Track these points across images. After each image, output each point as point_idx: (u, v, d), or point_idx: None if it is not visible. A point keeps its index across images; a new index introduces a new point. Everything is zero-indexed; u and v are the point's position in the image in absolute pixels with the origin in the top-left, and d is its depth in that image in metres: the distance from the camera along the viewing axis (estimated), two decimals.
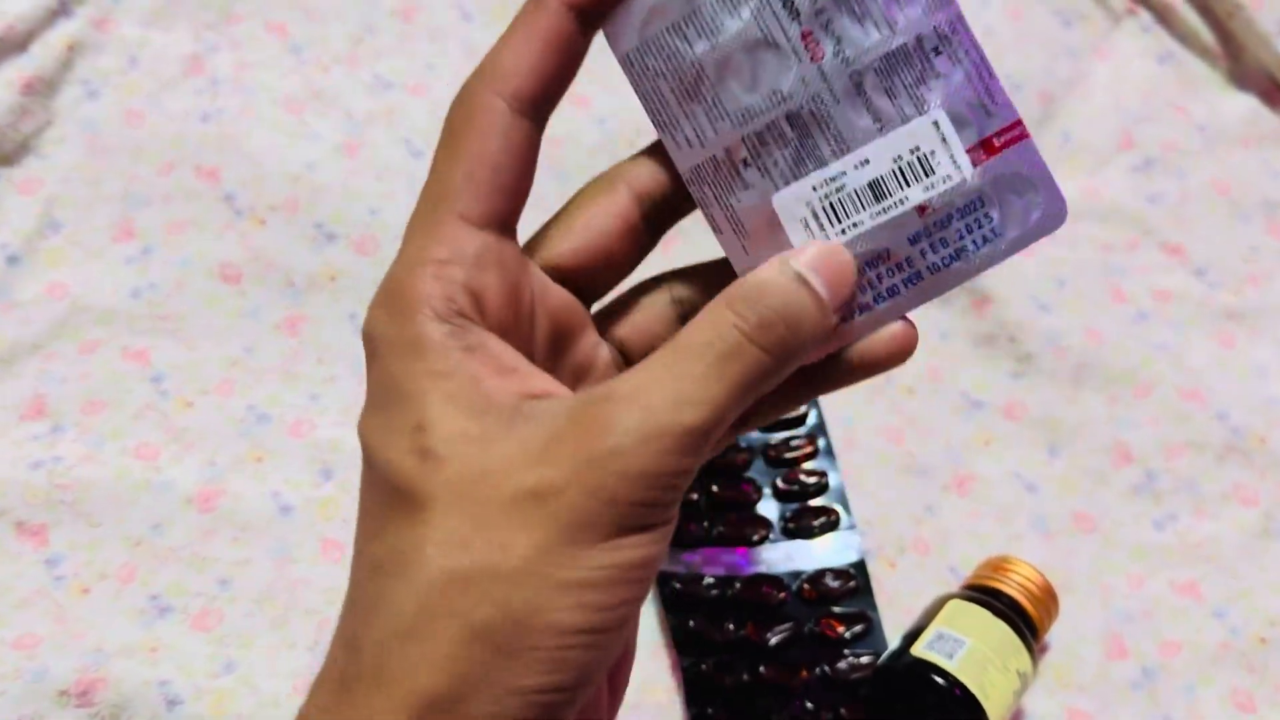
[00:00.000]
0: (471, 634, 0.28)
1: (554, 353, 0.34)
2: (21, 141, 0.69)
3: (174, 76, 0.73)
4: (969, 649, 0.56)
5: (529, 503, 0.28)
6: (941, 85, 0.31)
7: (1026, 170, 0.31)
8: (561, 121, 0.75)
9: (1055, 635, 0.63)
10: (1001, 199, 0.32)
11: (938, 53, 0.31)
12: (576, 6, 0.32)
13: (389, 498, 0.30)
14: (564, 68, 0.32)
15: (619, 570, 0.28)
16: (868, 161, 0.31)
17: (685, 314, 0.36)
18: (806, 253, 0.31)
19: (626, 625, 0.30)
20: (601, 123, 0.76)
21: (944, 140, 0.31)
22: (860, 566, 0.63)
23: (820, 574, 0.62)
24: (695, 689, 0.60)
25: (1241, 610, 0.65)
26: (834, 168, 0.31)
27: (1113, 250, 0.76)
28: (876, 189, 0.32)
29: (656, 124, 0.33)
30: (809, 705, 0.59)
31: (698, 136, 0.32)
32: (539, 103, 0.32)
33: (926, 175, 0.31)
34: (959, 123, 0.31)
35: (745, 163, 0.32)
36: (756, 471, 0.65)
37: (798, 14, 0.31)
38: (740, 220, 0.32)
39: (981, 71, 0.31)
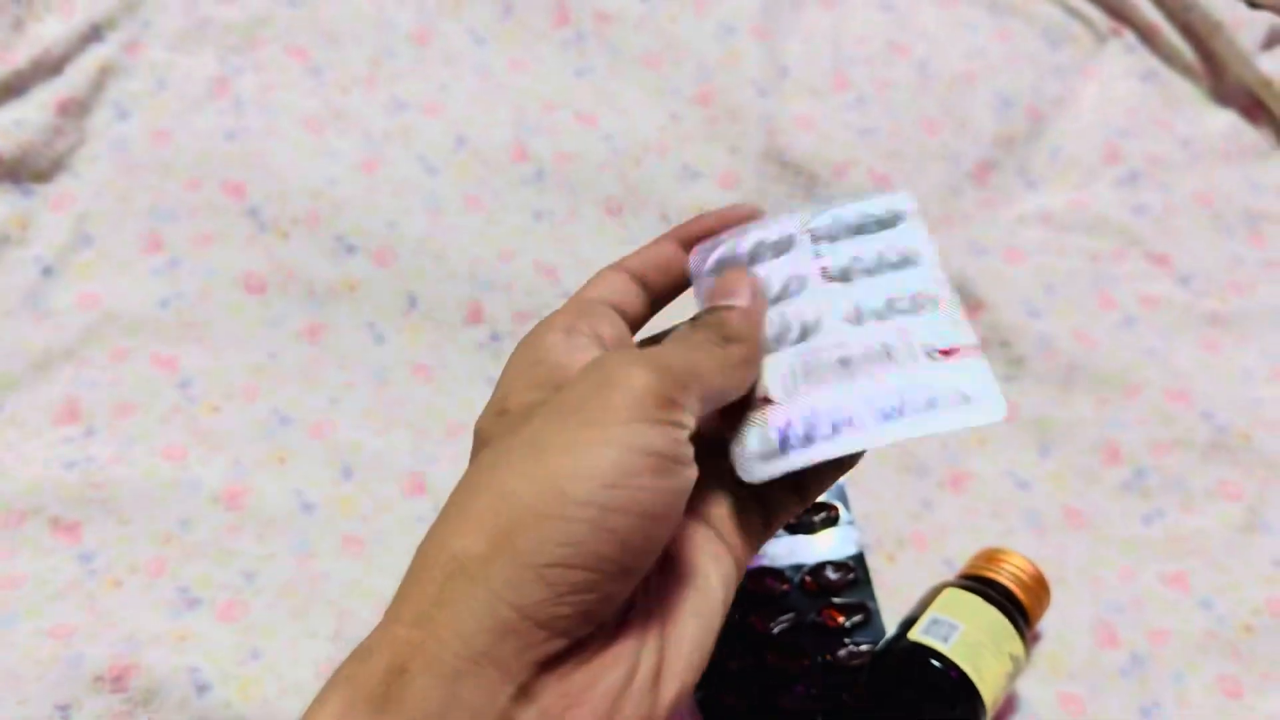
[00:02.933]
0: (499, 499, 0.34)
1: None
2: (56, 160, 0.73)
3: (200, 98, 0.76)
4: (963, 633, 0.58)
5: (555, 411, 0.36)
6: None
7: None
8: (570, 138, 0.79)
9: (1047, 625, 0.66)
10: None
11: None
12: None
13: (476, 451, 0.40)
14: (656, 274, 0.46)
15: (628, 448, 0.34)
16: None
17: None
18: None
19: (645, 516, 0.34)
20: (608, 139, 0.79)
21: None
22: (859, 559, 0.65)
23: (821, 566, 0.65)
24: (703, 675, 0.62)
25: (1228, 600, 0.67)
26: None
27: (1101, 259, 0.79)
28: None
29: None
30: (811, 690, 0.61)
31: None
32: (638, 274, 0.45)
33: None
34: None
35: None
36: None
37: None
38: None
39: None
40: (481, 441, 0.39)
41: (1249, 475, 0.71)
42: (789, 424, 0.40)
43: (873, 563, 0.67)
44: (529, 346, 0.41)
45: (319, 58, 0.79)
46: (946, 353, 0.42)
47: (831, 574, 0.65)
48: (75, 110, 0.74)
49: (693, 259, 0.45)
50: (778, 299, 0.44)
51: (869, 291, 0.43)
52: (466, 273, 0.73)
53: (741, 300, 0.42)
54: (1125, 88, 0.86)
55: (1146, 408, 0.73)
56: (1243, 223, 0.82)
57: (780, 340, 0.43)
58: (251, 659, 0.60)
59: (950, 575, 0.67)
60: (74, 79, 0.74)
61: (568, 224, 0.76)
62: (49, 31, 0.74)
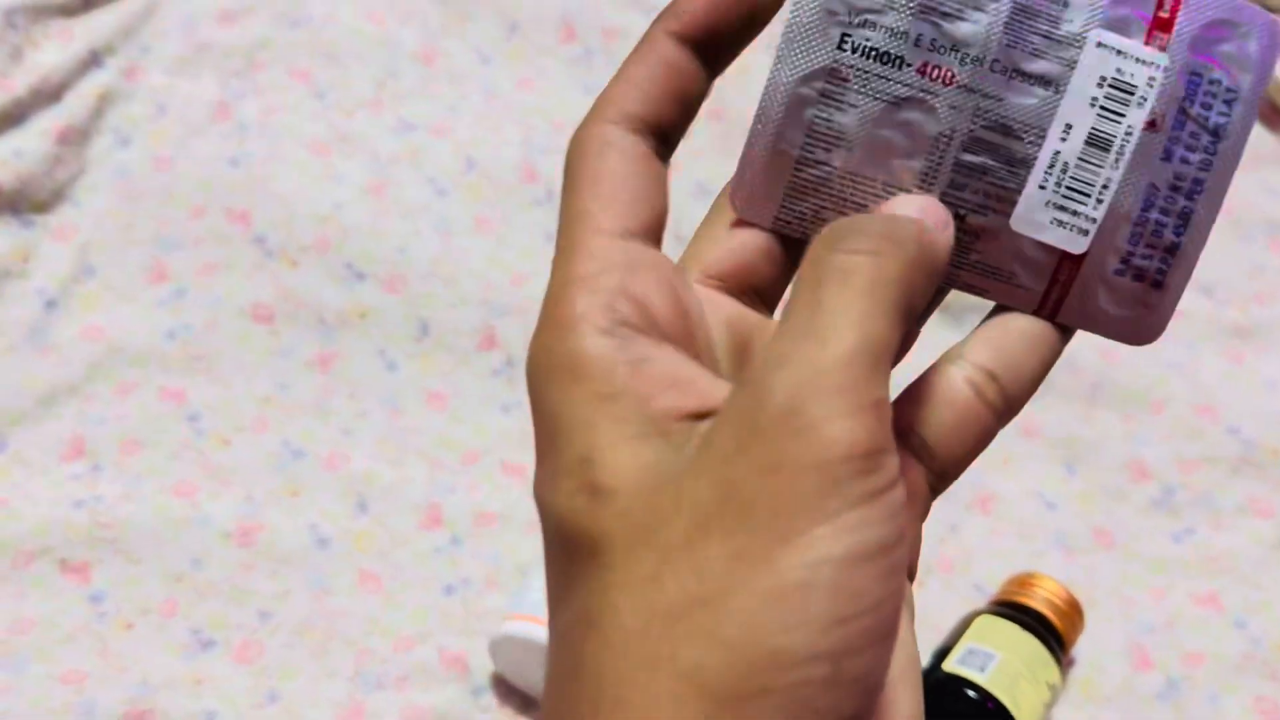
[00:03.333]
0: (683, 683, 0.23)
1: (742, 367, 0.30)
2: (56, 189, 0.71)
3: (202, 123, 0.75)
4: (1000, 663, 0.57)
5: (715, 515, 0.23)
6: (1079, 6, 0.29)
7: (1211, 15, 0.29)
8: None
9: (1080, 649, 0.64)
10: (1213, 55, 0.29)
11: None
12: (680, 34, 0.29)
13: (568, 553, 0.26)
14: (677, 92, 0.29)
15: (846, 560, 0.23)
16: (1070, 126, 0.29)
17: None
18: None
19: (882, 641, 0.23)
20: None
21: (1119, 53, 0.28)
22: None
23: None
24: None
25: (1262, 620, 0.66)
26: (1043, 158, 0.29)
27: None
28: (1097, 143, 0.29)
29: None
30: None
31: None
32: (652, 123, 0.29)
33: (1131, 94, 0.29)
34: (1120, 26, 0.28)
35: (964, 217, 0.29)
36: None
37: (899, 60, 0.29)
38: (997, 269, 0.30)
39: None
40: (569, 539, 0.26)
41: (1278, 490, 0.70)
42: None
43: None
44: (567, 372, 0.26)
45: (323, 80, 0.78)
46: None
47: None
48: (75, 138, 0.72)
49: (744, 214, 0.30)
50: None
51: None
52: (479, 297, 0.72)
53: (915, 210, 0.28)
54: None
55: (1173, 423, 0.72)
56: (1263, 230, 0.80)
57: None
58: (269, 701, 0.59)
59: (981, 600, 0.66)
60: (73, 106, 0.72)
61: None
62: (47, 59, 0.72)
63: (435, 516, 0.65)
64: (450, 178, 0.75)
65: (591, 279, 0.27)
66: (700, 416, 0.26)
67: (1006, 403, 0.30)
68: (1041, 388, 0.76)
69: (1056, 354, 0.31)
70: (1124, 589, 0.67)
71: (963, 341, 0.30)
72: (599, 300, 0.26)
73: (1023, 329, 0.30)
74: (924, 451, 0.29)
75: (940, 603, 0.65)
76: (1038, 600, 0.61)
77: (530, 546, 0.65)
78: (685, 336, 0.28)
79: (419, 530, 0.65)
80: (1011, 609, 0.61)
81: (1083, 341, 0.74)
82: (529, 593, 0.60)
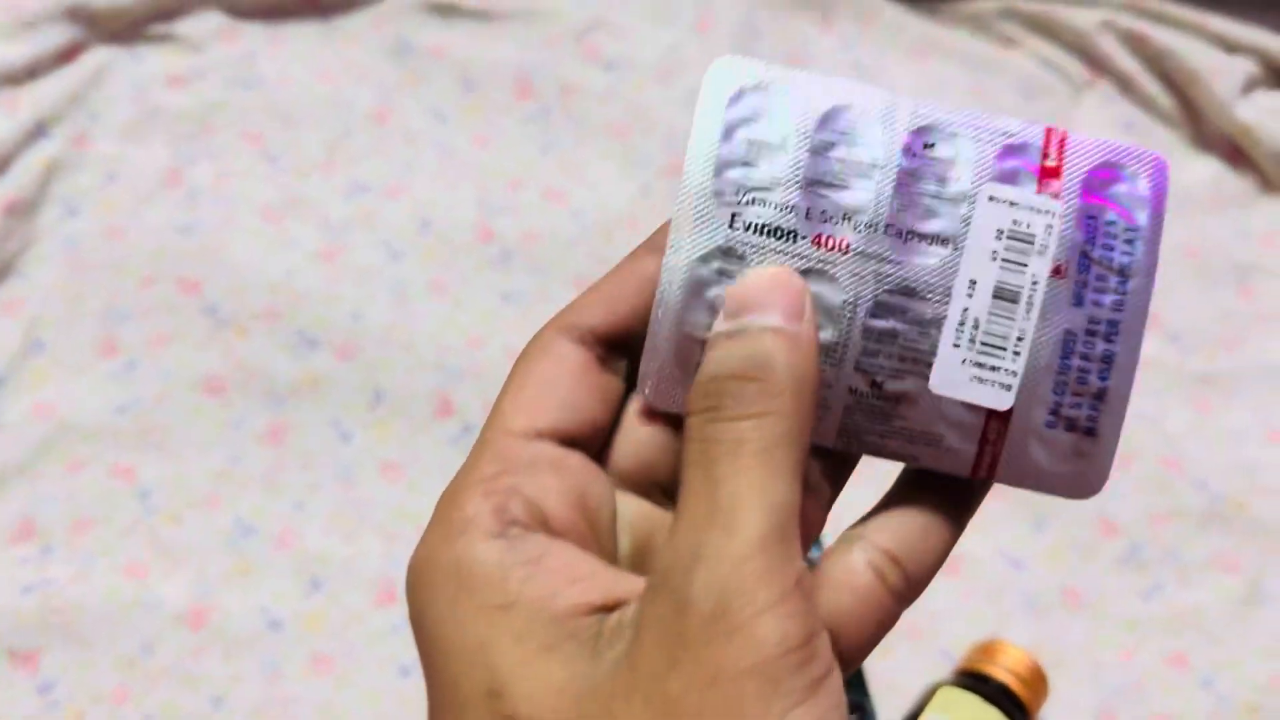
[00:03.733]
0: None
1: (645, 562, 0.29)
2: (5, 263, 0.70)
3: (152, 190, 0.74)
4: None
5: None
6: (965, 163, 0.28)
7: (1098, 159, 0.29)
8: (538, 216, 0.77)
9: (1050, 713, 0.63)
10: (1106, 197, 0.29)
11: (931, 145, 0.28)
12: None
13: None
14: (645, 309, 0.28)
15: None
16: (974, 282, 0.28)
17: None
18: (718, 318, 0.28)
19: None
20: (577, 215, 0.77)
21: (1013, 204, 0.28)
22: None
23: None
24: None
25: (1229, 679, 0.65)
26: (953, 317, 0.28)
27: None
28: (1005, 296, 0.28)
29: None
30: None
31: (824, 405, 0.29)
32: (605, 336, 0.29)
33: (1031, 243, 0.28)
34: (1009, 177, 0.28)
35: (882, 384, 0.29)
36: None
37: (793, 233, 0.28)
38: (925, 434, 0.29)
39: (977, 123, 0.29)
40: None
41: (1246, 545, 0.69)
42: None
43: (868, 658, 0.64)
44: (455, 582, 0.25)
45: (275, 142, 0.77)
46: None
47: None
48: (23, 210, 0.71)
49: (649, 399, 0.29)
50: None
51: None
52: (434, 362, 0.71)
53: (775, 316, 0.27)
54: (1105, 138, 0.84)
55: (1140, 477, 0.71)
56: (1230, 275, 0.80)
57: None
58: None
59: (948, 666, 0.65)
60: (20, 178, 0.71)
61: (538, 306, 0.74)
62: None
63: (390, 593, 0.64)
64: (404, 240, 0.74)
65: (487, 480, 0.27)
66: (606, 609, 0.25)
67: (909, 586, 0.29)
68: None
69: (955, 539, 0.30)
70: (1093, 650, 0.66)
71: (863, 523, 0.30)
72: (491, 502, 0.26)
73: (925, 512, 0.29)
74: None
75: (907, 670, 0.64)
76: (1001, 670, 0.60)
77: None
78: (583, 538, 0.27)
79: (373, 608, 0.64)
80: (975, 679, 0.60)
81: None
82: None
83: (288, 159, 0.76)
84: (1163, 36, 0.84)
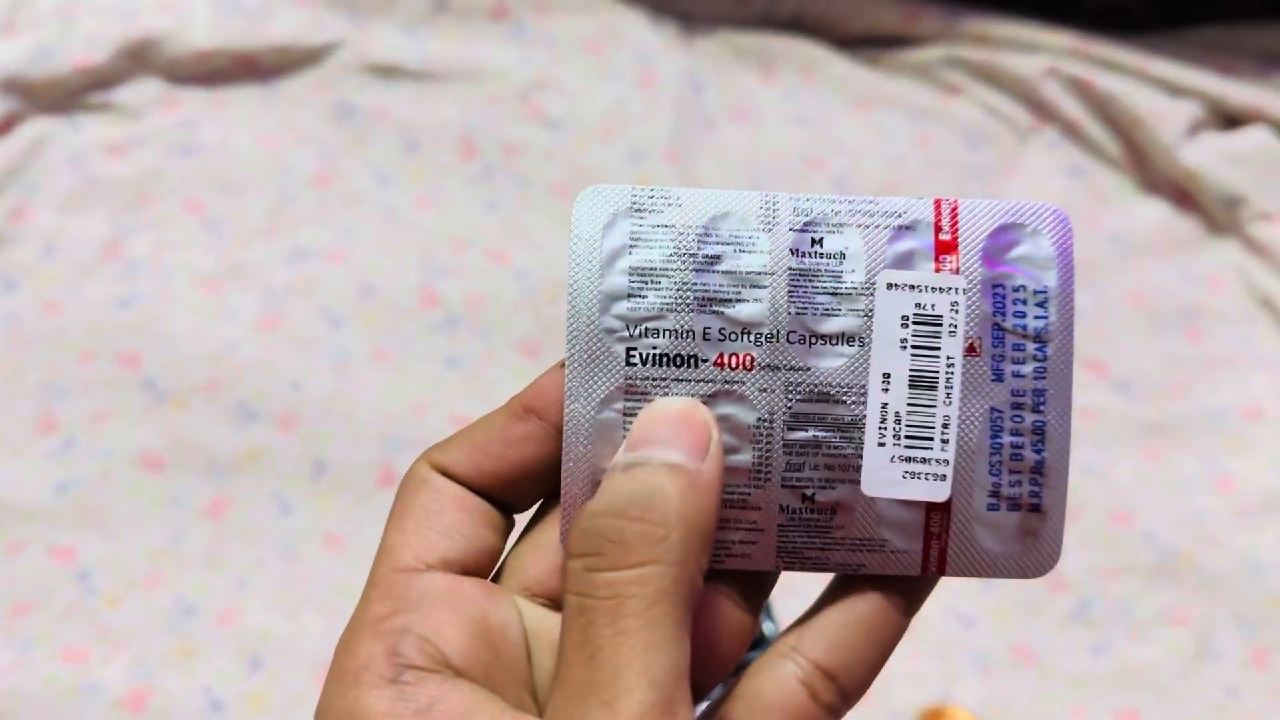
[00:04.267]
0: None
1: None
2: None
3: (91, 263, 0.73)
4: None
5: None
6: (857, 254, 0.28)
7: (994, 223, 0.28)
8: (481, 278, 0.77)
9: None
10: (1008, 264, 0.28)
11: (819, 241, 0.27)
12: (529, 409, 0.28)
13: None
14: (510, 458, 0.28)
15: None
16: (888, 375, 0.27)
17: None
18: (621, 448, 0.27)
19: None
20: (521, 276, 0.77)
21: (912, 287, 0.27)
22: None
23: None
24: None
25: None
26: (873, 415, 0.27)
27: None
28: (921, 384, 0.27)
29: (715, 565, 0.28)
30: None
31: (756, 528, 0.28)
32: (472, 477, 0.28)
33: (939, 325, 0.27)
34: (905, 261, 0.27)
35: (813, 496, 0.28)
36: None
37: (693, 358, 0.27)
38: (867, 539, 0.28)
39: (862, 209, 0.28)
40: None
41: (1195, 598, 0.69)
42: None
43: None
44: None
45: (216, 210, 0.76)
46: None
47: None
48: None
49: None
50: None
51: None
52: (377, 431, 0.70)
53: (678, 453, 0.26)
54: (1051, 185, 0.84)
55: (1089, 531, 0.71)
56: (1178, 319, 0.80)
57: None
58: None
59: None
60: None
61: (483, 370, 0.73)
62: None
63: None
64: (345, 307, 0.74)
65: (378, 621, 0.26)
66: None
67: (844, 699, 0.28)
68: None
69: (899, 636, 0.29)
70: (1043, 708, 0.66)
71: (798, 627, 0.29)
72: (383, 645, 0.26)
73: (863, 616, 0.28)
74: None
75: None
76: None
77: None
78: (488, 667, 0.27)
79: (315, 687, 0.63)
80: None
81: None
82: None
83: (229, 226, 0.76)
84: (1106, 82, 0.84)
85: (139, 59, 0.79)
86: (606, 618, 0.24)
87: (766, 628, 0.63)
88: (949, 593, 0.69)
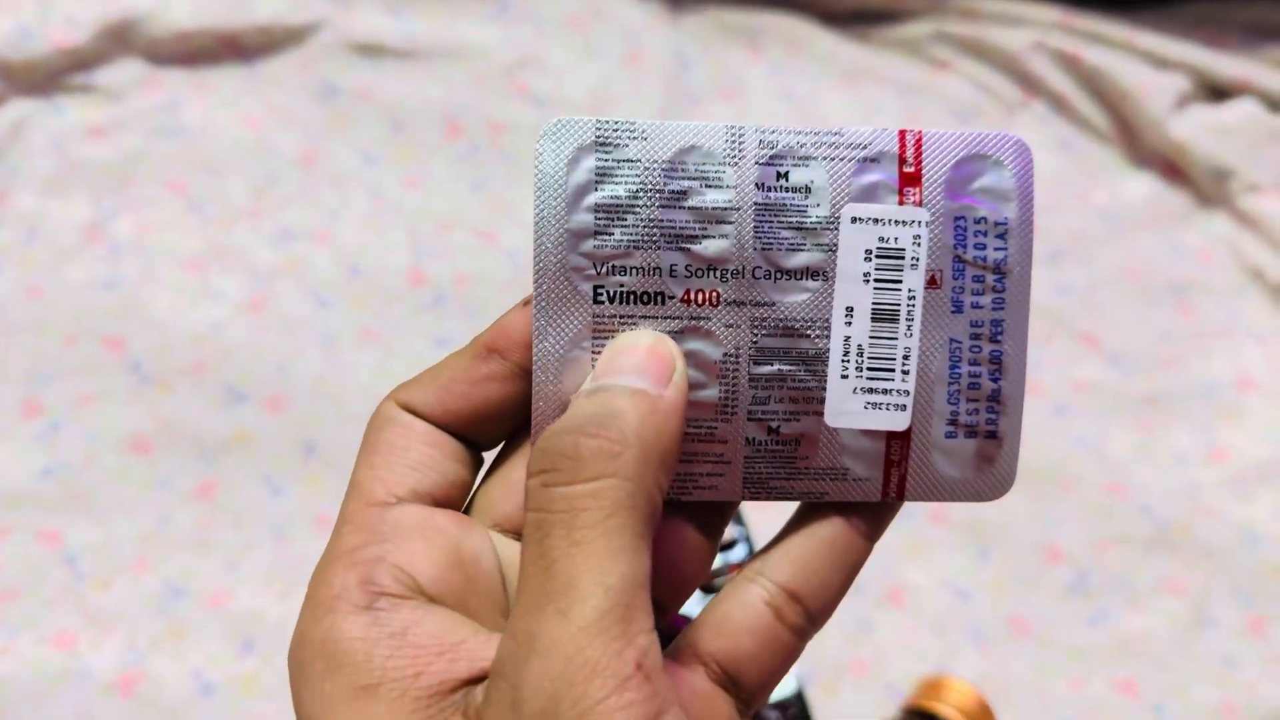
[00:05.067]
0: None
1: None
2: None
3: (74, 246, 0.72)
4: None
5: None
6: (822, 187, 0.27)
7: (958, 154, 0.28)
8: (470, 258, 0.76)
9: None
10: (971, 195, 0.28)
11: (784, 175, 0.27)
12: (493, 349, 0.28)
13: None
14: (473, 396, 0.28)
15: None
16: (851, 309, 0.28)
17: None
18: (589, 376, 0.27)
19: None
20: (510, 255, 0.76)
21: (876, 221, 0.27)
22: (799, 698, 0.62)
23: (758, 714, 0.62)
24: None
25: (1179, 705, 0.65)
26: (836, 348, 0.28)
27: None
28: (884, 317, 0.28)
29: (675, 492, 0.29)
30: None
31: (722, 460, 0.28)
32: (438, 415, 0.28)
33: (901, 258, 0.27)
34: (869, 194, 0.27)
35: (778, 429, 0.28)
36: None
37: (660, 295, 0.27)
38: (829, 469, 0.28)
39: (827, 141, 0.28)
40: None
41: (1192, 568, 0.69)
42: None
43: (812, 696, 0.63)
44: (323, 661, 0.25)
45: (199, 191, 0.75)
46: None
47: (770, 716, 0.62)
48: None
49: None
50: None
51: None
52: (366, 412, 0.69)
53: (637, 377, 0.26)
54: (1040, 159, 0.83)
55: (1084, 503, 0.70)
56: (1169, 293, 0.79)
57: None
58: None
59: (893, 702, 0.64)
60: None
61: None
62: None
63: None
64: (333, 288, 0.73)
65: (352, 552, 0.26)
66: (474, 680, 0.25)
67: (810, 620, 0.29)
68: None
69: (864, 559, 0.29)
70: (1041, 680, 0.66)
71: (764, 553, 0.29)
72: (356, 574, 0.26)
73: (826, 539, 0.29)
74: (727, 681, 0.28)
75: (853, 708, 0.63)
76: (947, 708, 0.59)
77: None
78: (461, 594, 0.27)
79: None
80: (919, 717, 0.59)
81: None
82: None
83: (212, 208, 0.75)
84: (1094, 55, 0.84)
85: (120, 40, 0.78)
86: (562, 529, 0.24)
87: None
88: (945, 566, 0.68)
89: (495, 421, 0.28)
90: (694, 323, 0.28)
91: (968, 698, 0.60)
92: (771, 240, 0.27)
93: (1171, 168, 0.84)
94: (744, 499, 0.29)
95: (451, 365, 0.28)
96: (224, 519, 0.66)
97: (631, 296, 0.27)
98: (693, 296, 0.27)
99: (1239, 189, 0.81)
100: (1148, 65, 0.84)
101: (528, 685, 0.23)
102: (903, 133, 0.28)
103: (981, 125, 0.84)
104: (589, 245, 0.27)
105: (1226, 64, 0.84)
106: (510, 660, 0.23)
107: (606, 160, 0.27)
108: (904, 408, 0.28)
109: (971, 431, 0.28)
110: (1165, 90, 0.82)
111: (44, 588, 0.63)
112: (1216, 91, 0.85)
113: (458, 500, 0.28)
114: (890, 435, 0.28)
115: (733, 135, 0.27)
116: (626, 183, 0.27)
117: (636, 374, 0.26)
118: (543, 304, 0.27)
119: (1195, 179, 0.83)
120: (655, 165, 0.27)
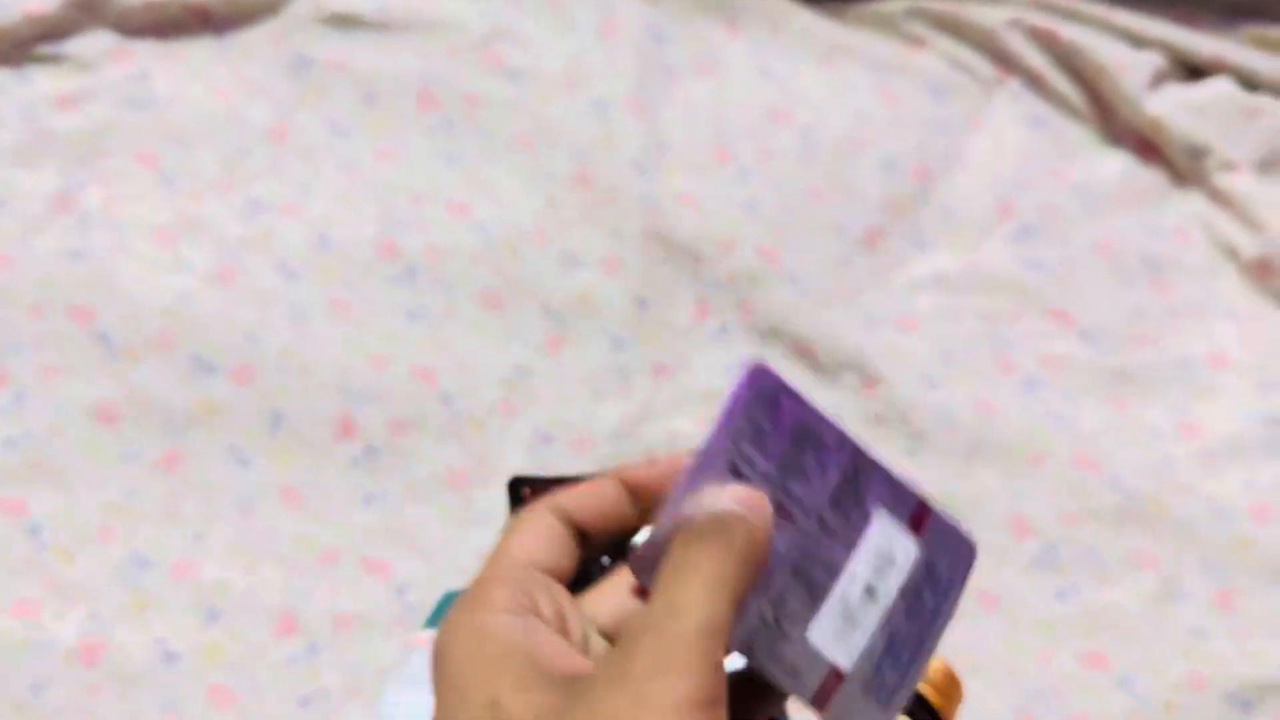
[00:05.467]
0: None
1: None
2: None
3: (42, 216, 0.72)
4: None
5: None
6: (874, 497, 0.36)
7: (950, 541, 0.37)
8: (441, 231, 0.76)
9: (966, 718, 0.63)
10: (943, 559, 0.38)
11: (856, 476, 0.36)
12: (625, 483, 0.37)
13: None
14: (605, 514, 0.37)
15: None
16: (855, 575, 0.36)
17: None
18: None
19: None
20: (482, 229, 0.76)
21: (890, 536, 0.36)
22: None
23: None
24: None
25: (1147, 679, 0.65)
26: (836, 594, 0.36)
27: (998, 320, 0.76)
28: (870, 594, 0.36)
29: None
30: None
31: (743, 607, 0.35)
32: (575, 521, 0.37)
33: (893, 565, 0.36)
34: (894, 513, 0.36)
35: (780, 621, 0.36)
36: None
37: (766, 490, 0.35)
38: (793, 667, 0.36)
39: (889, 476, 0.36)
40: None
41: (1161, 542, 0.69)
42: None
43: None
44: (478, 634, 0.34)
45: (169, 163, 0.75)
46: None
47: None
48: None
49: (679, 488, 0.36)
50: None
51: None
52: (335, 384, 0.69)
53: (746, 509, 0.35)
54: (1015, 136, 0.83)
55: (1054, 477, 0.70)
56: (1143, 270, 0.79)
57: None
58: None
59: None
60: None
61: (444, 323, 0.72)
62: None
63: (290, 623, 0.62)
64: (302, 259, 0.73)
65: (506, 582, 0.35)
66: (575, 675, 0.33)
67: None
68: (918, 445, 0.74)
69: None
70: (1010, 653, 0.66)
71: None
72: (508, 592, 0.35)
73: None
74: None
75: None
76: None
77: (392, 649, 0.62)
78: (562, 630, 0.35)
79: (273, 639, 0.62)
80: None
81: (958, 394, 0.73)
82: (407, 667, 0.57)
83: (182, 180, 0.75)
84: (1070, 32, 0.84)
85: (89, 10, 0.77)
86: (686, 576, 0.32)
87: None
88: None
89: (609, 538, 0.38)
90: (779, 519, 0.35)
91: (936, 670, 0.60)
92: (837, 509, 0.36)
93: (1146, 145, 0.84)
94: (733, 649, 0.34)
95: (598, 483, 0.37)
96: (190, 490, 0.66)
97: (765, 476, 0.35)
98: (780, 509, 0.35)
99: (1214, 167, 0.81)
100: (1124, 43, 0.84)
101: (639, 647, 0.30)
102: (920, 502, 0.37)
103: (958, 102, 0.84)
104: (746, 449, 0.35)
105: (1202, 42, 0.84)
106: (628, 635, 0.31)
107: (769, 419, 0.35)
108: (852, 656, 0.36)
109: (882, 688, 0.37)
110: (1141, 68, 0.82)
111: (7, 557, 0.63)
112: (1192, 70, 0.85)
113: (563, 583, 0.37)
114: (833, 669, 0.36)
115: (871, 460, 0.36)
116: (772, 446, 0.35)
117: (743, 504, 0.34)
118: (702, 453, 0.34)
119: (1170, 157, 0.83)
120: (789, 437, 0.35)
